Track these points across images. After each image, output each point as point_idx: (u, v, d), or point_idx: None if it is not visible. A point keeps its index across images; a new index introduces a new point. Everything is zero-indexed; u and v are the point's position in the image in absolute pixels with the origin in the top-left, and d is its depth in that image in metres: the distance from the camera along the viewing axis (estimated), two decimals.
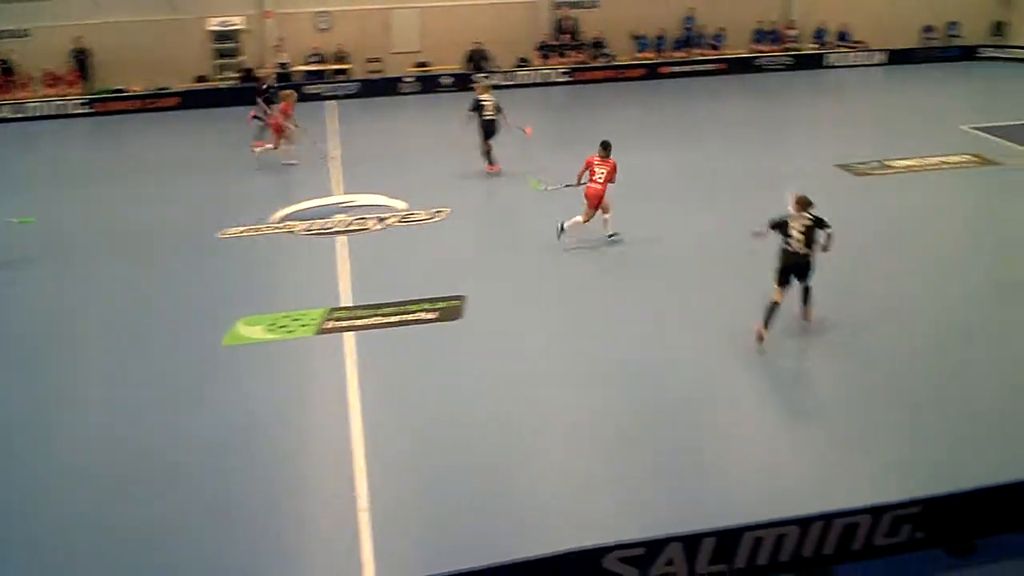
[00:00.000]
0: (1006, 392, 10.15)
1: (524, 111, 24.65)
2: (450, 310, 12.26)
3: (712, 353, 10.99)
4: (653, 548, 7.03)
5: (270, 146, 19.39)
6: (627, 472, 8.81)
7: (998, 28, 31.02)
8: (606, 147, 14.03)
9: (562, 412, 9.86)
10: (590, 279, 13.34)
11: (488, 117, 17.85)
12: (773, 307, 10.78)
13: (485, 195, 17.30)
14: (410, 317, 12.07)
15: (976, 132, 20.72)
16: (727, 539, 7.19)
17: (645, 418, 9.66)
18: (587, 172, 14.04)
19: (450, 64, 27.85)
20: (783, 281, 10.89)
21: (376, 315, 12.14)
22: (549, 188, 14.86)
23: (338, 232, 15.47)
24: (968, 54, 29.98)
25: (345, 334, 11.67)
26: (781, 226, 10.94)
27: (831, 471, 8.78)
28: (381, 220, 15.90)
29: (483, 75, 24.58)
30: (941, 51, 30.06)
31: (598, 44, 28.55)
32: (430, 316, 12.11)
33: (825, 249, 10.83)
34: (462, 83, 26.94)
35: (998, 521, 7.77)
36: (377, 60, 28.07)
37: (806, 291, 11.12)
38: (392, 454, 9.14)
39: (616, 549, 6.96)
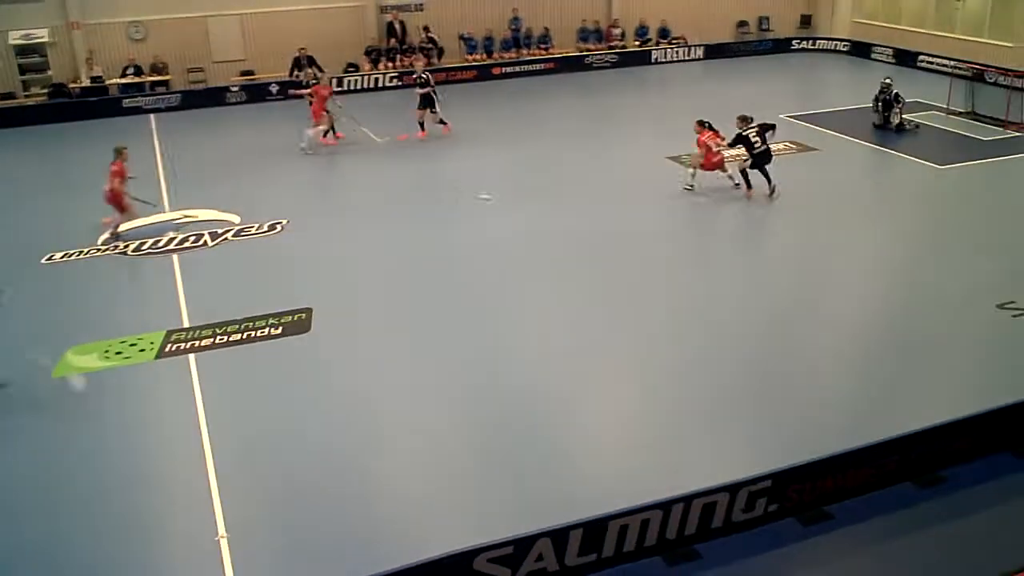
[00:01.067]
0: (837, 368, 10.79)
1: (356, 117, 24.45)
2: (296, 324, 11.90)
3: (558, 348, 11.15)
4: (522, 545, 7.04)
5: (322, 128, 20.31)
6: (488, 473, 8.80)
7: (805, 21, 32.99)
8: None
9: (417, 418, 9.75)
10: (439, 284, 13.23)
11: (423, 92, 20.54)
12: (745, 173, 16.25)
13: (323, 204, 16.91)
14: (255, 334, 11.64)
15: (793, 120, 21.90)
16: (594, 529, 7.28)
17: (498, 418, 9.68)
18: None
19: (277, 72, 27.09)
20: (756, 166, 16.16)
21: (219, 334, 11.66)
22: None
23: (171, 251, 14.75)
24: (780, 46, 31.71)
25: (189, 356, 11.15)
26: (742, 140, 16.28)
27: (686, 453, 9.05)
28: (216, 236, 15.29)
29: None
30: (755, 44, 31.66)
31: (428, 47, 28.42)
32: (276, 331, 11.71)
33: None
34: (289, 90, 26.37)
35: (844, 488, 8.21)
36: (199, 70, 27.01)
37: (767, 173, 16.23)
38: (246, 476, 8.80)
39: (486, 550, 6.93)
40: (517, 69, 28.62)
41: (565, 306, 12.34)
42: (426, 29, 28.37)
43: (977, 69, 23.18)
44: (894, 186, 16.81)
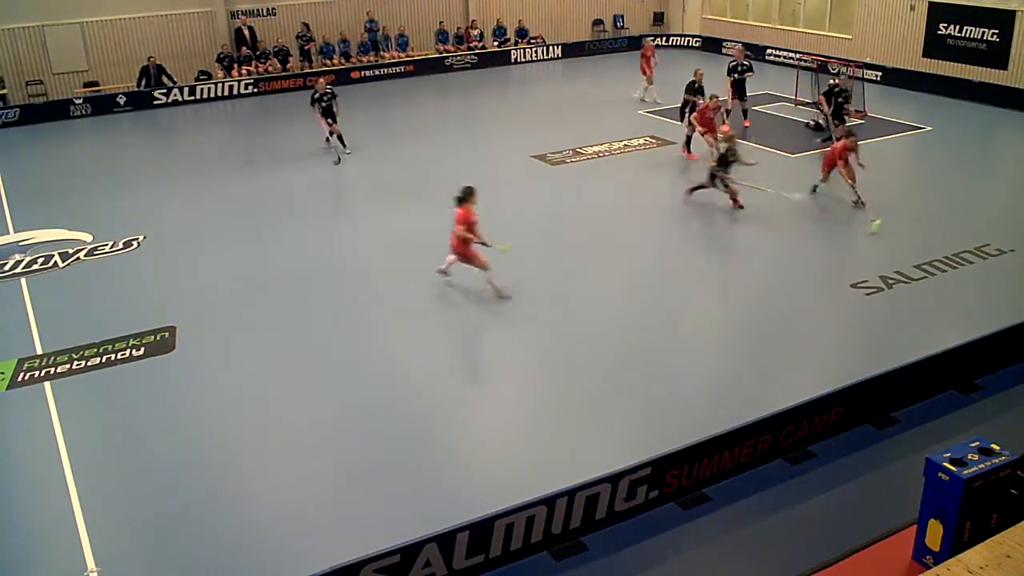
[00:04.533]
0: (706, 356, 11.09)
1: (208, 128, 23.74)
2: (160, 343, 11.41)
3: (433, 353, 11.08)
4: (409, 553, 6.93)
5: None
6: (367, 482, 8.63)
7: (658, 18, 33.88)
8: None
9: (290, 432, 9.50)
10: (307, 294, 12.93)
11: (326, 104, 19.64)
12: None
13: (179, 220, 16.24)
14: (116, 356, 11.10)
15: (652, 116, 22.45)
16: (480, 530, 7.24)
17: (375, 426, 9.54)
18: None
19: (124, 82, 25.97)
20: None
21: (76, 360, 11.05)
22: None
23: (18, 274, 13.90)
24: (635, 44, 32.28)
25: (44, 384, 10.52)
26: (696, 92, 19.23)
27: (568, 449, 9.11)
28: (67, 256, 14.50)
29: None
30: (611, 42, 32.31)
31: (281, 52, 27.80)
32: (138, 353, 11.20)
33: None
34: (139, 102, 25.30)
35: (720, 470, 8.43)
36: (39, 83, 25.56)
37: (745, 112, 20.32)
38: (114, 506, 8.36)
39: (371, 561, 6.78)
40: (376, 72, 28.31)
41: (438, 310, 12.26)
42: (302, 35, 27.83)
43: (820, 61, 24.32)
44: (752, 175, 17.38)
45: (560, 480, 7.72)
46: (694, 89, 19.53)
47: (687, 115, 19.18)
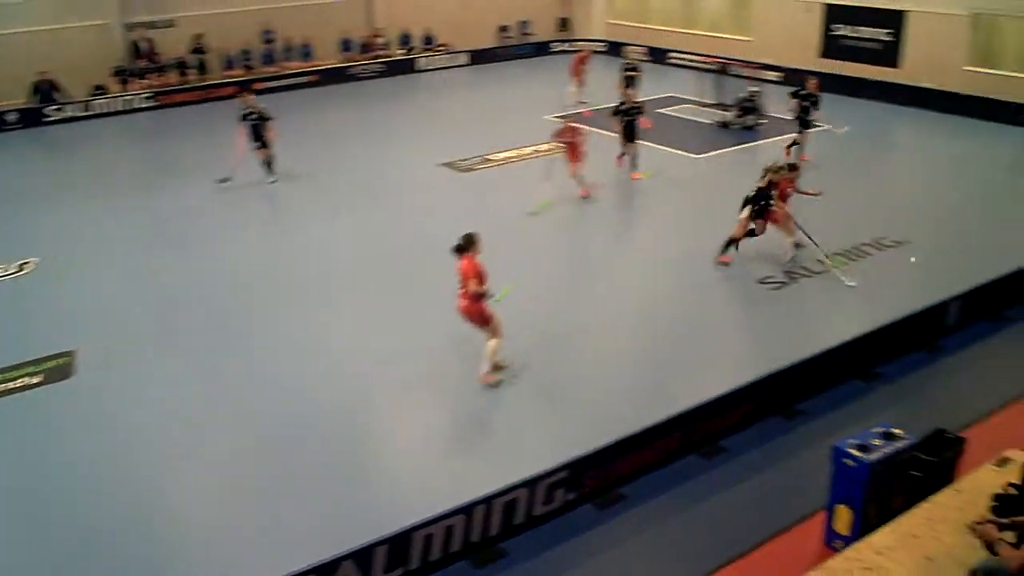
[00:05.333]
0: (621, 358, 11.19)
1: (105, 144, 23.02)
2: (58, 369, 10.98)
3: (342, 365, 10.93)
4: (325, 570, 6.79)
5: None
6: (281, 500, 8.46)
7: (563, 24, 34.19)
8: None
9: (199, 451, 9.26)
10: (210, 310, 12.61)
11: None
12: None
13: (75, 241, 15.61)
14: (11, 386, 10.63)
15: (558, 121, 22.54)
16: (398, 543, 7.15)
17: (286, 441, 9.37)
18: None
19: (15, 99, 24.96)
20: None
21: None
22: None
23: None
24: (541, 49, 32.68)
25: None
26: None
27: (484, 457, 9.09)
28: None
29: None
30: (517, 48, 32.44)
31: (180, 64, 27.17)
32: (36, 380, 10.76)
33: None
34: (31, 119, 24.38)
35: (635, 469, 8.50)
36: None
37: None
38: (13, 547, 7.99)
39: None
40: (280, 84, 27.80)
41: (351, 325, 12.09)
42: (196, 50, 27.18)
43: (721, 63, 24.86)
44: (658, 176, 17.66)
45: (478, 488, 7.68)
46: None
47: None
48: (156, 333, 11.99)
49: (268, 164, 18.01)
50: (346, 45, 29.81)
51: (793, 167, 13.67)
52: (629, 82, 22.50)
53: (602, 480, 8.30)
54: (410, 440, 9.49)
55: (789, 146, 18.07)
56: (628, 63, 22.88)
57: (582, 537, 7.86)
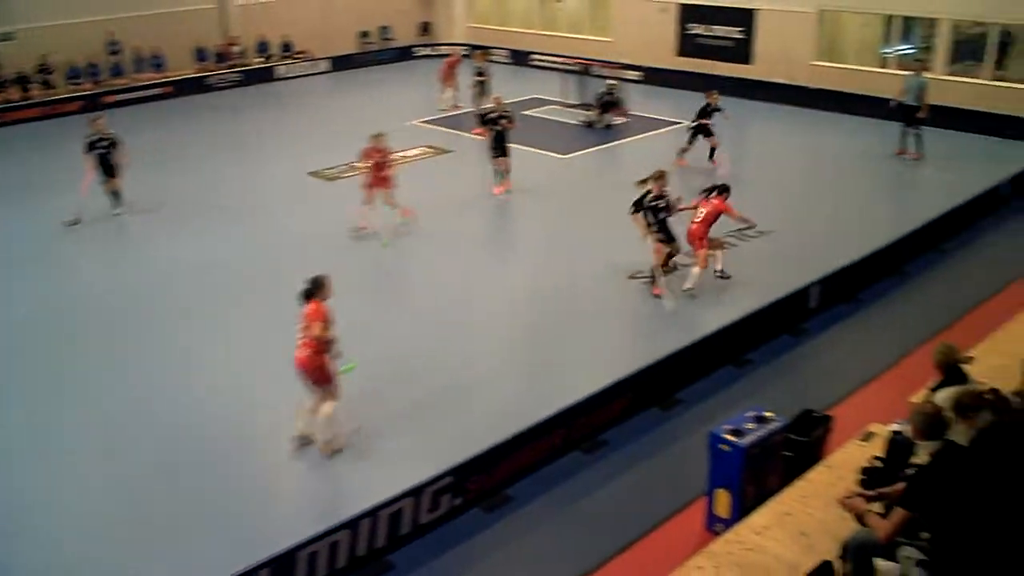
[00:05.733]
0: (501, 359, 11.20)
1: None
2: None
3: (222, 386, 10.56)
4: None
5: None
6: (158, 524, 8.10)
7: (425, 28, 34.06)
8: None
9: (65, 478, 8.78)
10: (68, 337, 11.98)
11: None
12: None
13: None
14: None
15: (425, 125, 22.51)
16: (282, 564, 6.92)
17: (164, 465, 9.01)
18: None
19: None
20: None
21: None
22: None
23: None
24: (403, 54, 32.45)
25: None
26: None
27: (365, 471, 8.91)
28: None
29: None
30: (379, 54, 32.12)
31: (21, 79, 25.70)
32: None
33: None
34: None
35: (519, 469, 8.50)
36: None
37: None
38: None
39: None
40: (131, 96, 26.61)
41: (215, 341, 11.68)
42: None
43: (583, 64, 25.26)
44: (525, 177, 17.74)
45: (362, 501, 7.52)
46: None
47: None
48: (20, 355, 11.33)
49: (115, 194, 16.50)
50: (200, 54, 28.85)
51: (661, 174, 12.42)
52: (480, 88, 22.52)
53: (487, 483, 8.26)
54: (291, 458, 9.19)
55: (682, 150, 18.34)
56: (478, 67, 22.87)
57: (470, 542, 7.80)
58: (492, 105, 17.44)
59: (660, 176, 12.32)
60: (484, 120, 17.35)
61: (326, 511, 7.71)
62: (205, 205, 17.04)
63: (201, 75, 28.27)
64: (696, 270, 12.36)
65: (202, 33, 29.03)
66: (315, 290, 8.76)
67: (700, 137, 17.99)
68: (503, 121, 16.75)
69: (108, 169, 16.28)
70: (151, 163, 19.13)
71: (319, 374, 8.77)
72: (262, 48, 30.13)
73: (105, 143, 16.20)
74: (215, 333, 11.85)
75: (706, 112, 17.86)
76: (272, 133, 23.35)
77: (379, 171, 14.98)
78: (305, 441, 9.10)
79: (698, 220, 12.37)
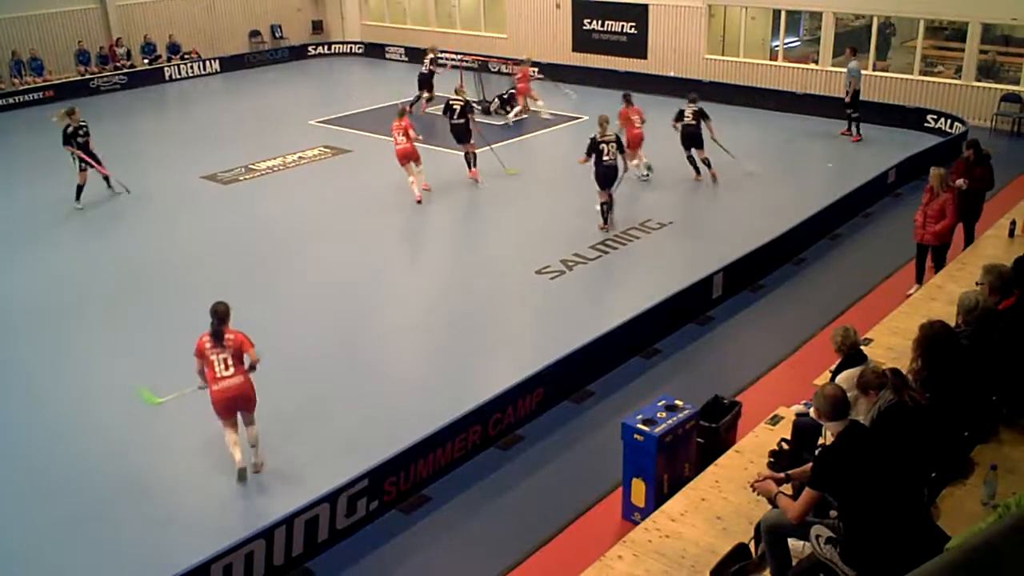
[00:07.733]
0: (410, 358, 11.13)
1: None
2: None
3: (125, 395, 10.18)
4: None
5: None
6: (71, 537, 7.82)
7: (317, 27, 33.48)
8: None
9: None
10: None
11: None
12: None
13: None
14: None
15: (322, 125, 22.16)
16: None
17: (75, 476, 8.66)
18: None
19: None
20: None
21: None
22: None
23: None
24: (296, 53, 31.75)
25: None
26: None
27: (278, 475, 8.74)
28: None
29: None
30: (271, 53, 31.34)
31: None
32: None
33: None
34: None
35: (437, 469, 8.47)
36: None
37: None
38: None
39: None
40: (9, 101, 25.41)
41: (116, 350, 11.29)
42: None
43: (481, 60, 25.25)
44: (430, 175, 17.64)
45: (276, 509, 7.38)
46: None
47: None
48: None
49: (80, 188, 16.55)
50: (83, 57, 27.71)
51: None
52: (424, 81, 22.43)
53: (404, 484, 8.20)
54: (199, 467, 8.94)
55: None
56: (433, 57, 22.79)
57: (390, 544, 7.74)
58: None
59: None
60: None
61: (236, 525, 7.52)
62: (94, 211, 16.41)
63: (85, 78, 27.15)
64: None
65: (82, 35, 27.86)
66: (227, 316, 8.53)
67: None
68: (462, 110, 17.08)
69: (93, 155, 16.64)
70: (31, 171, 18.30)
71: (253, 396, 8.57)
72: (149, 49, 29.11)
73: (84, 131, 16.49)
74: (93, 347, 11.42)
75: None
76: (163, 136, 22.60)
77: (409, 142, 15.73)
78: (254, 469, 8.74)
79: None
